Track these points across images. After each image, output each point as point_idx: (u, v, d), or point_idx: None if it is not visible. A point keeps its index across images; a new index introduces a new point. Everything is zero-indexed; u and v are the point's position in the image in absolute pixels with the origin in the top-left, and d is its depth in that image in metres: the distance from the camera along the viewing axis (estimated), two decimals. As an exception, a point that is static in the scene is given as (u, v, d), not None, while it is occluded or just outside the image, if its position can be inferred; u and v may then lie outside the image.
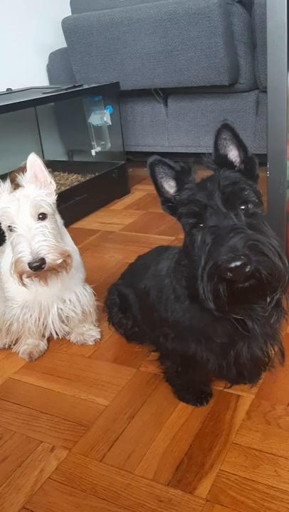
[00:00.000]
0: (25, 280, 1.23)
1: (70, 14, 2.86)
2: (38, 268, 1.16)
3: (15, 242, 1.18)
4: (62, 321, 1.40)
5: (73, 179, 2.77)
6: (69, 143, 3.19)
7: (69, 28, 2.64)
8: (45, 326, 1.38)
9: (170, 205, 1.00)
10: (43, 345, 1.43)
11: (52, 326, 1.38)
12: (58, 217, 1.30)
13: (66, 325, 1.42)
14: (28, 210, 1.18)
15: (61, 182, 2.69)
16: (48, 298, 1.34)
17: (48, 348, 1.44)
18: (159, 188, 1.00)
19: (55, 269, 1.22)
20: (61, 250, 1.20)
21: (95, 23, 2.54)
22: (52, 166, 2.87)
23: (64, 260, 1.21)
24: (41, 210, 1.20)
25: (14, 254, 1.18)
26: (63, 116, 3.04)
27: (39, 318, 1.37)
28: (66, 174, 2.81)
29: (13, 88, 2.75)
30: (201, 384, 1.18)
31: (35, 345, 1.41)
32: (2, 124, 2.57)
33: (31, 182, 1.24)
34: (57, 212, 1.30)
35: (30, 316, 1.36)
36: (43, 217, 1.20)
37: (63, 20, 2.68)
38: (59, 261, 1.19)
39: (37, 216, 1.20)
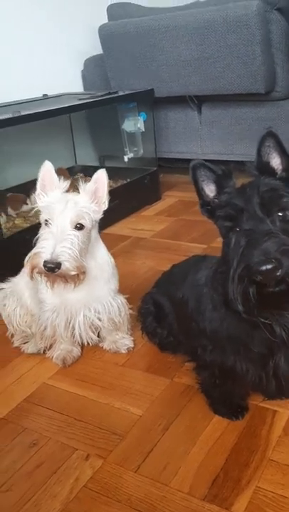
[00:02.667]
0: (35, 275, 1.23)
1: (106, 21, 2.88)
2: (51, 270, 1.16)
3: (43, 237, 1.20)
4: (92, 330, 1.40)
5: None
6: (101, 148, 3.21)
7: (106, 34, 2.66)
8: (74, 331, 1.39)
9: (208, 208, 1.02)
10: (76, 351, 1.44)
11: (78, 333, 1.38)
12: (94, 233, 1.31)
13: (94, 333, 1.41)
14: (70, 215, 1.19)
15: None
16: (74, 304, 1.35)
17: (81, 354, 1.45)
18: (199, 191, 1.02)
19: (65, 278, 1.22)
20: (80, 264, 1.20)
21: (132, 30, 2.55)
22: (84, 171, 2.90)
23: (77, 274, 1.21)
24: (81, 221, 1.21)
25: (37, 246, 1.20)
26: (96, 121, 3.06)
27: (67, 324, 1.38)
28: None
29: (49, 94, 2.79)
30: (237, 397, 1.16)
31: (69, 351, 1.42)
32: (38, 129, 2.60)
33: (88, 193, 1.25)
34: (95, 229, 1.31)
35: (59, 320, 1.37)
36: (80, 227, 1.21)
37: (100, 27, 2.70)
38: (73, 272, 1.19)
39: (75, 224, 1.21)
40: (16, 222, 2.35)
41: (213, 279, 1.09)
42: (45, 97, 2.73)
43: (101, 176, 1.27)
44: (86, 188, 1.26)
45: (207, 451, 1.06)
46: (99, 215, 1.28)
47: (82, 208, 1.22)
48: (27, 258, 1.22)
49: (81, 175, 2.88)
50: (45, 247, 1.16)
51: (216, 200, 0.99)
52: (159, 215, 2.60)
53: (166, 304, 1.33)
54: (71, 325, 1.35)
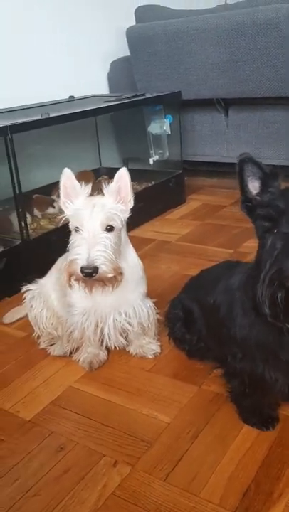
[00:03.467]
0: (73, 282, 1.23)
1: (133, 23, 2.88)
2: (89, 275, 1.15)
3: (76, 244, 1.20)
4: (120, 334, 1.39)
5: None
6: (125, 151, 3.21)
7: (133, 37, 2.66)
8: (103, 335, 1.38)
9: (249, 205, 1.00)
10: (102, 355, 1.43)
11: (108, 336, 1.38)
12: (123, 234, 1.30)
13: (122, 337, 1.40)
14: (100, 218, 1.19)
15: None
16: (105, 308, 1.34)
17: (107, 358, 1.44)
18: (243, 186, 1.00)
19: (104, 282, 1.21)
20: (116, 266, 1.20)
21: (160, 32, 2.54)
22: (108, 173, 2.89)
23: (115, 276, 1.20)
24: (111, 223, 1.20)
25: (71, 254, 1.20)
26: (121, 124, 3.06)
27: (96, 327, 1.37)
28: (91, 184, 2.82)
29: (74, 95, 2.79)
30: (267, 407, 1.14)
31: (95, 355, 1.42)
32: (65, 130, 2.60)
33: (112, 193, 1.24)
34: (124, 230, 1.30)
35: (89, 324, 1.36)
36: (110, 229, 1.20)
37: (128, 29, 2.70)
38: (110, 275, 1.18)
39: (105, 226, 1.20)
40: (41, 223, 2.36)
41: (246, 283, 1.07)
42: (71, 98, 2.74)
43: (123, 175, 1.26)
44: (110, 188, 1.26)
45: (237, 461, 1.04)
46: (126, 214, 1.27)
47: (110, 209, 1.21)
48: (63, 266, 1.22)
49: (105, 177, 2.87)
50: (80, 254, 1.16)
51: (258, 198, 0.97)
52: (184, 218, 2.58)
53: (196, 309, 1.31)
54: (100, 328, 1.34)
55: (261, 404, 1.14)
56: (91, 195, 1.27)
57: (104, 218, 1.19)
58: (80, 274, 1.15)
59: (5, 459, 1.10)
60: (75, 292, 1.32)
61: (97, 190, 1.27)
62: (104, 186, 1.25)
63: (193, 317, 1.32)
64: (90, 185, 1.26)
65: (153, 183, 2.68)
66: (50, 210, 2.47)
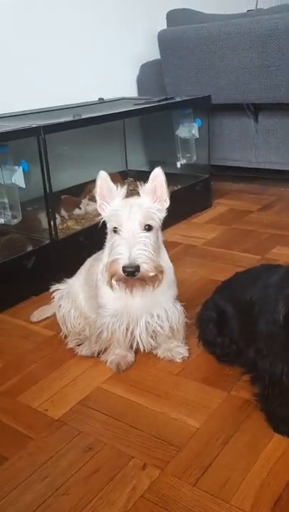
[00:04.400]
0: (114, 283, 1.23)
1: (164, 27, 2.89)
2: (131, 274, 1.16)
3: (116, 244, 1.20)
4: (150, 336, 1.39)
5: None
6: (151, 154, 3.21)
7: (165, 40, 2.66)
8: (133, 337, 1.38)
9: None
10: (130, 356, 1.43)
11: (139, 339, 1.37)
12: (160, 233, 1.30)
13: (153, 339, 1.40)
14: (138, 218, 1.19)
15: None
16: (136, 310, 1.34)
17: (134, 360, 1.44)
18: None
19: (145, 281, 1.21)
20: (156, 264, 1.20)
21: (193, 36, 2.55)
22: (135, 176, 2.90)
23: (156, 275, 1.20)
24: (149, 222, 1.20)
25: (112, 254, 1.20)
26: (149, 127, 3.06)
27: (127, 329, 1.37)
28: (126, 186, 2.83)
29: (103, 97, 2.81)
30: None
31: (123, 356, 1.41)
32: (93, 132, 2.62)
33: (148, 193, 1.25)
34: (160, 229, 1.30)
35: (119, 325, 1.36)
36: (148, 228, 1.21)
37: (160, 32, 2.71)
38: (152, 273, 1.18)
39: (144, 226, 1.21)
40: (68, 223, 2.37)
41: (282, 280, 1.07)
42: (101, 100, 2.76)
43: (158, 174, 1.26)
44: (145, 188, 1.26)
45: (269, 469, 1.03)
46: (163, 214, 1.28)
47: (147, 208, 1.22)
48: (102, 267, 1.21)
49: (131, 179, 2.88)
50: (121, 253, 1.16)
51: None
52: (210, 222, 2.57)
53: (229, 310, 1.30)
54: (131, 330, 1.34)
55: (287, 410, 1.12)
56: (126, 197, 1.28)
57: (142, 218, 1.20)
58: (122, 274, 1.16)
59: (34, 456, 1.11)
60: (106, 293, 1.32)
61: (127, 192, 1.27)
62: (139, 186, 1.25)
63: (226, 318, 1.31)
64: (125, 187, 1.26)
65: (179, 186, 2.67)
66: (77, 211, 2.49)
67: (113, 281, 1.21)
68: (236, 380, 1.31)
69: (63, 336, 1.54)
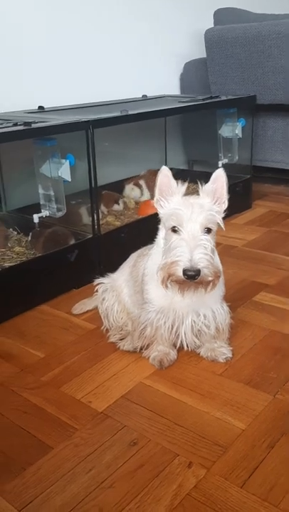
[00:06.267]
0: (168, 283, 1.21)
1: (209, 25, 2.87)
2: (192, 277, 1.13)
3: (175, 245, 1.17)
4: (195, 334, 1.38)
5: (193, 189, 2.76)
6: (191, 152, 3.20)
7: (212, 39, 2.64)
8: (178, 335, 1.37)
9: None
10: (173, 354, 1.42)
11: (184, 337, 1.36)
12: (215, 236, 1.28)
13: (198, 339, 1.39)
14: (200, 220, 1.16)
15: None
16: (182, 308, 1.33)
17: (177, 358, 1.43)
18: None
19: (201, 285, 1.19)
20: (216, 269, 1.18)
21: (240, 35, 2.52)
22: (174, 174, 2.88)
23: (213, 280, 1.18)
24: (209, 225, 1.18)
25: (171, 255, 1.17)
26: (190, 125, 3.05)
27: (172, 326, 1.36)
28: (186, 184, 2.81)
29: (146, 94, 2.81)
30: None
31: (166, 353, 1.41)
32: (136, 129, 2.62)
33: (208, 194, 1.23)
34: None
35: (164, 322, 1.35)
36: (208, 231, 1.18)
37: (207, 31, 2.69)
38: (210, 278, 1.16)
39: (204, 228, 1.18)
40: (107, 219, 2.38)
41: None
42: (144, 97, 2.76)
43: (220, 175, 1.24)
44: (205, 189, 1.24)
45: None
46: (221, 216, 1.25)
47: (209, 211, 1.19)
48: (158, 267, 1.21)
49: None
50: (182, 255, 1.13)
51: None
52: (250, 224, 2.54)
53: None
54: (176, 328, 1.33)
55: None
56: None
57: (204, 220, 1.17)
58: (182, 277, 1.13)
59: (79, 446, 1.11)
60: (153, 289, 1.32)
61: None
62: (199, 186, 1.24)
63: None
64: (186, 184, 1.24)
65: (220, 186, 2.64)
66: (116, 207, 2.50)
67: (169, 282, 1.19)
68: (282, 384, 1.29)
69: (104, 330, 1.55)
